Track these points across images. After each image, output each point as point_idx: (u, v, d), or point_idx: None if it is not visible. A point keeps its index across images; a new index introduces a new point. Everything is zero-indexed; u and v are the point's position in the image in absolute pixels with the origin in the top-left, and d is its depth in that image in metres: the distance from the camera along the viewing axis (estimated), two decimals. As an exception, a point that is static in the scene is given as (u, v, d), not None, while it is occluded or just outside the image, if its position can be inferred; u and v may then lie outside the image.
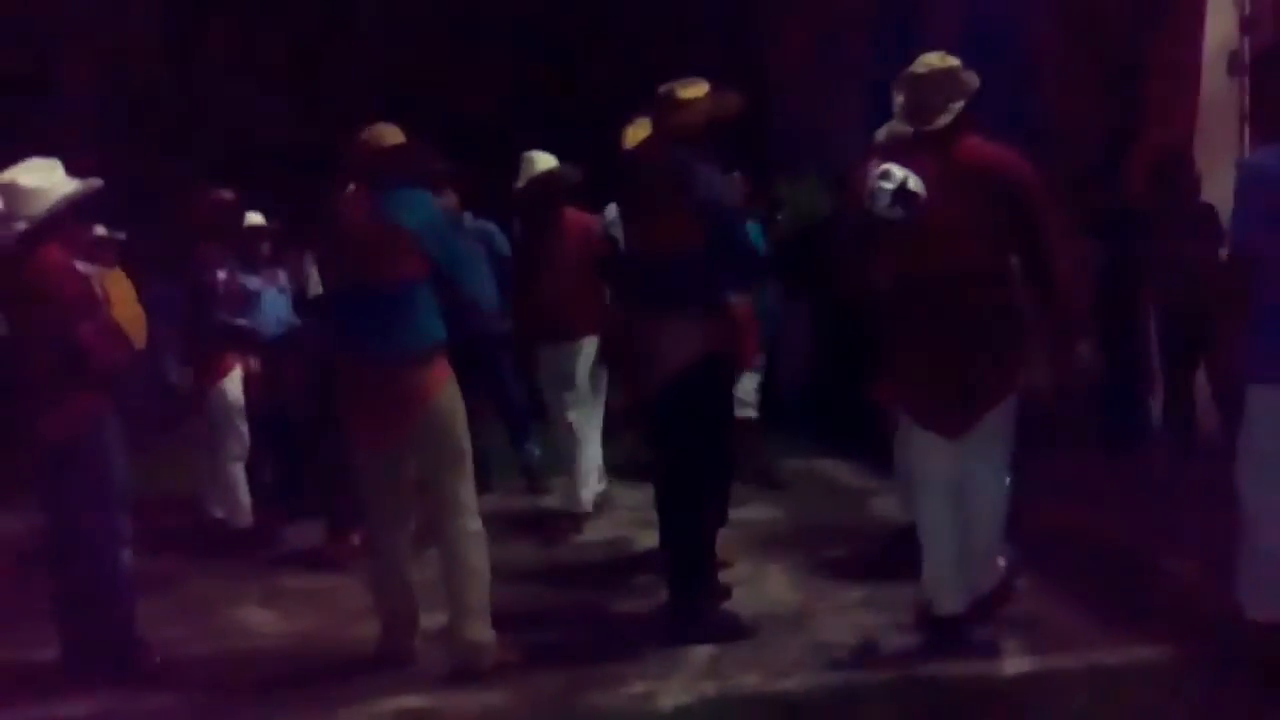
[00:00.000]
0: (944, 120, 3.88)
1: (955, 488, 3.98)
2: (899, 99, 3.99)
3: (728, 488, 4.24)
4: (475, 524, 4.08)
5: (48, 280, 4.02)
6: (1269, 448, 3.78)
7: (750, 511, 5.98)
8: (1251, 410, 3.81)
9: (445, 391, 4.02)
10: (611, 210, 4.64)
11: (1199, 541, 4.67)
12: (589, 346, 5.74)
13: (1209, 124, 5.90)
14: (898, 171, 3.82)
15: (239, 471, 6.03)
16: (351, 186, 4.13)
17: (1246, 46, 5.95)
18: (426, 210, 4.04)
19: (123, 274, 6.78)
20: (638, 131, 4.27)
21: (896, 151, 3.93)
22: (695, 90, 4.25)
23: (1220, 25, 6.06)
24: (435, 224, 4.03)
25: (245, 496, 6.03)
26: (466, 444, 4.09)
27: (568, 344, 5.75)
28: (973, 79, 3.95)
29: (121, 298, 6.12)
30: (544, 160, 5.76)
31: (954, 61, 3.99)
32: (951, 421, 3.93)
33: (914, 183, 3.80)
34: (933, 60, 4.00)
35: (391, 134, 4.10)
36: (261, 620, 4.91)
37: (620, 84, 5.03)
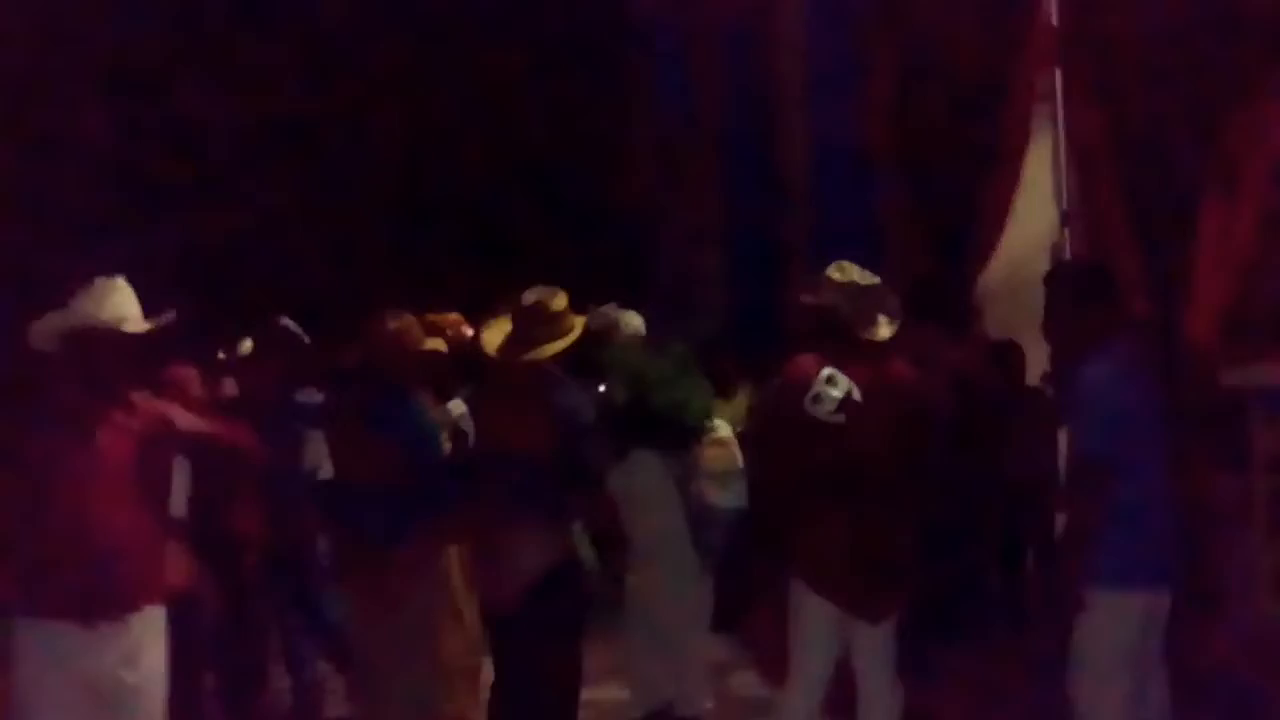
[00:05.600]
0: (886, 333, 4.18)
1: (825, 682, 4.12)
2: (834, 304, 4.18)
3: (576, 699, 4.23)
4: None
5: None
6: (1110, 658, 3.70)
7: (600, 692, 5.92)
8: (1096, 617, 3.70)
9: None
10: (459, 405, 4.69)
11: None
12: None
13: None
14: (842, 379, 4.07)
15: None
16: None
17: (1067, 239, 6.31)
18: None
19: None
20: (495, 334, 4.32)
21: (830, 354, 4.17)
22: (561, 301, 4.36)
23: (1042, 218, 6.40)
24: None
25: None
26: None
27: None
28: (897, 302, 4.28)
29: None
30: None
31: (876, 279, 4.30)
32: (875, 606, 4.06)
33: (856, 391, 4.06)
34: (858, 274, 4.27)
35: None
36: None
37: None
